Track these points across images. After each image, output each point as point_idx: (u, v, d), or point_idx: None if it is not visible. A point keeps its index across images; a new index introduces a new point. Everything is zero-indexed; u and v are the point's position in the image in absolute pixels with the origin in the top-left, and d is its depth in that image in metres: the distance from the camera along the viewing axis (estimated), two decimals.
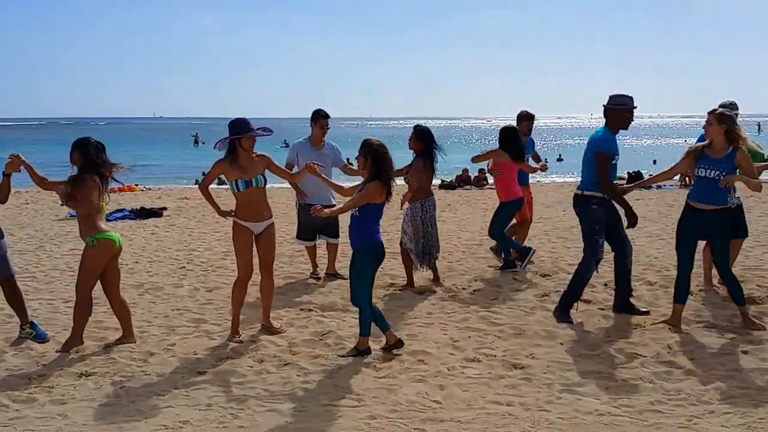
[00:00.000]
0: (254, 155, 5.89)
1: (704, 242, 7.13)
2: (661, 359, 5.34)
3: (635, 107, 6.19)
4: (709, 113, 5.91)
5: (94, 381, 5.05)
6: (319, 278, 8.07)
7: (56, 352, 5.69)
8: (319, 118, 7.87)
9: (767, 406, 4.46)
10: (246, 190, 5.83)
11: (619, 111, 6.14)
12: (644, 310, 6.43)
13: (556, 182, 23.23)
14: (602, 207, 6.15)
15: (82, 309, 5.82)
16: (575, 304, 6.42)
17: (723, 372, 5.04)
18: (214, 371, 5.23)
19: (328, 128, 7.98)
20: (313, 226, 7.89)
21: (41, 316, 6.67)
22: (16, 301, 6.02)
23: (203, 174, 28.97)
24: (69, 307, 6.95)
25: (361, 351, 5.51)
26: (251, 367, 5.31)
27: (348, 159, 8.35)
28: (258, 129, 5.90)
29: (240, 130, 5.79)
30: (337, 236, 8.12)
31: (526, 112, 8.79)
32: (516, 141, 8.11)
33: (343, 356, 5.49)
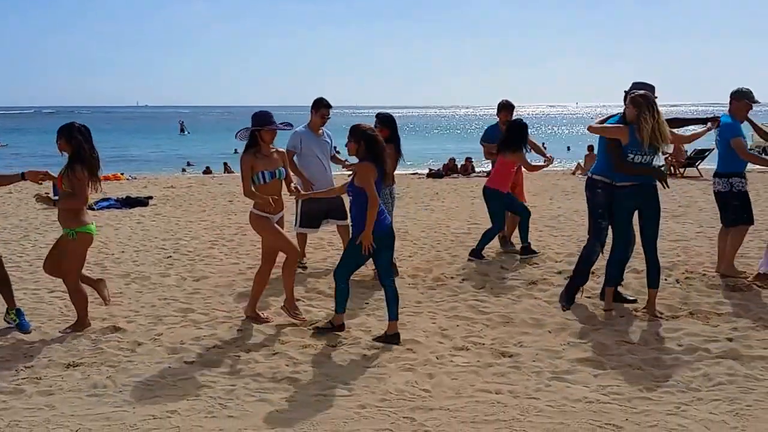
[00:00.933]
0: (273, 149, 5.94)
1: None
2: (650, 346, 5.38)
3: (655, 97, 6.14)
4: (627, 92, 6.08)
5: (82, 371, 5.02)
6: (305, 267, 8.03)
7: (64, 332, 5.81)
8: (321, 107, 7.83)
9: (754, 392, 4.50)
10: (271, 181, 5.86)
11: None
12: (632, 298, 6.46)
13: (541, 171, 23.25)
14: (605, 191, 6.18)
15: (78, 296, 5.91)
16: (581, 289, 6.46)
17: (710, 359, 5.07)
18: (202, 361, 5.20)
19: (329, 118, 7.95)
20: (320, 211, 7.83)
21: (26, 306, 6.60)
22: (3, 283, 5.95)
23: (188, 163, 28.43)
24: (54, 297, 6.92)
25: (336, 326, 5.71)
26: (239, 356, 5.29)
27: (335, 147, 8.32)
28: (280, 123, 5.99)
29: (262, 122, 5.85)
30: (345, 217, 8.08)
31: (505, 101, 8.85)
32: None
33: (317, 328, 5.73)
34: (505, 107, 8.75)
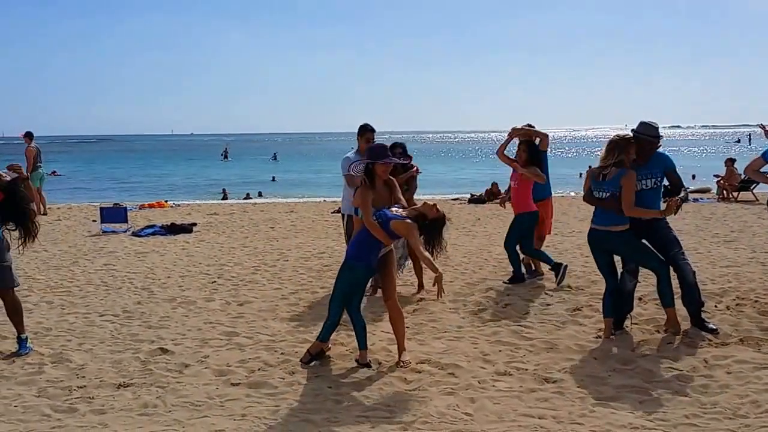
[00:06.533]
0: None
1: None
2: (698, 373, 5.29)
3: (660, 136, 6.18)
4: (633, 130, 6.13)
5: (132, 391, 5.14)
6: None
7: None
8: (366, 132, 7.95)
9: None
10: None
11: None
12: (713, 328, 6.22)
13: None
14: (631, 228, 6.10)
15: None
16: (629, 317, 6.42)
17: (759, 386, 4.97)
18: (247, 382, 5.29)
19: (373, 142, 8.08)
20: None
21: (78, 329, 6.80)
22: (15, 313, 6.16)
23: (224, 190, 28.45)
24: (105, 321, 7.11)
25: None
26: (283, 378, 5.36)
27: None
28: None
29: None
30: None
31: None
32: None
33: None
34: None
